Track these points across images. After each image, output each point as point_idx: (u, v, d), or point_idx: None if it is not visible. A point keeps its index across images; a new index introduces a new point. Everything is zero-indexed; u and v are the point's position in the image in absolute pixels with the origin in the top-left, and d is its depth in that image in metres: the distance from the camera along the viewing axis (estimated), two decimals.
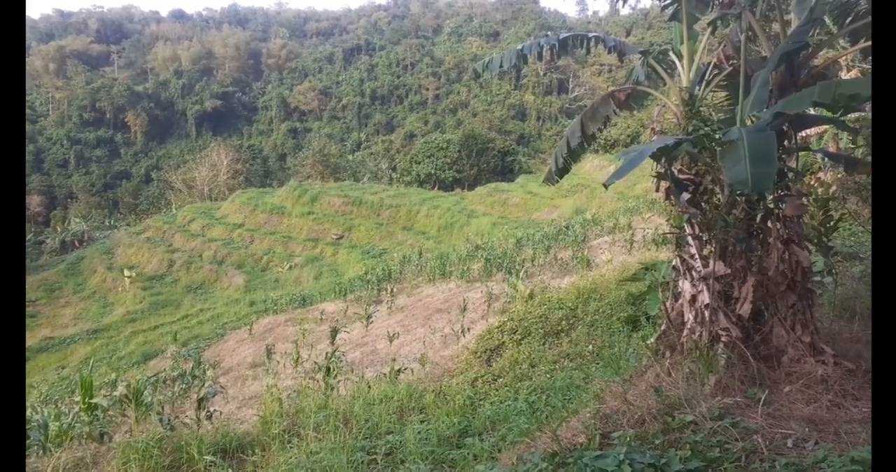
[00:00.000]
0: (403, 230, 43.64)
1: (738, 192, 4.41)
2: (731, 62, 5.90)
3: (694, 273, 4.98)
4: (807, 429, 3.63)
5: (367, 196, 48.39)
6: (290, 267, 40.14)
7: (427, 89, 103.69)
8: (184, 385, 12.47)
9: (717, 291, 4.75)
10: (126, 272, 42.48)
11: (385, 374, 12.08)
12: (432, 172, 60.78)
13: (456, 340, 15.53)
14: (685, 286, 5.03)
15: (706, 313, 4.75)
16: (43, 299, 41.79)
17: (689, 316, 4.96)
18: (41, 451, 7.60)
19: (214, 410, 10.36)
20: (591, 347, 10.40)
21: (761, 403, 3.91)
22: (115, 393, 8.53)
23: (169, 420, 8.90)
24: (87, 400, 8.05)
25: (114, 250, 48.99)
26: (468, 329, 15.84)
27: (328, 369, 10.84)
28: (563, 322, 12.19)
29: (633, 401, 4.08)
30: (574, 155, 6.49)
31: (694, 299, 4.92)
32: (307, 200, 48.64)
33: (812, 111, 6.58)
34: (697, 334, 4.81)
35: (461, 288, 21.63)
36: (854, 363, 4.46)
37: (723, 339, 4.66)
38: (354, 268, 35.20)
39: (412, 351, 16.19)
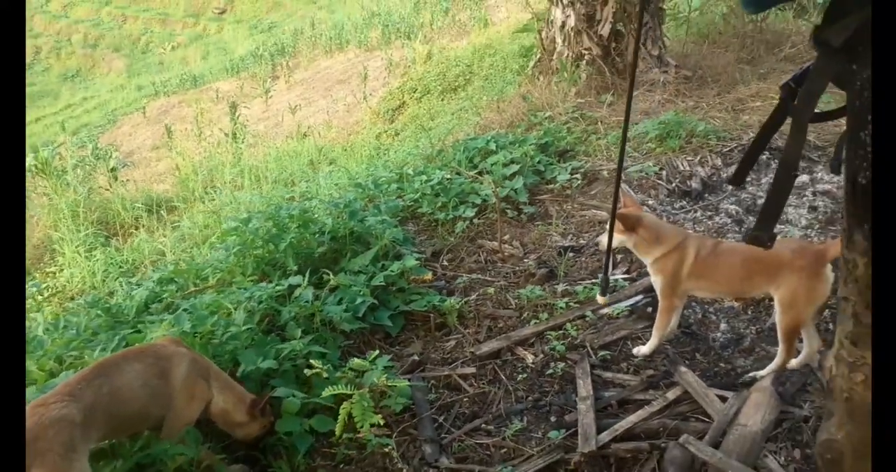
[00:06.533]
0: (292, 0, 40.49)
1: None
2: None
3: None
4: (640, 116, 4.53)
5: None
6: (173, 47, 37.26)
7: None
8: (87, 167, 12.45)
9: (582, 14, 5.30)
10: None
11: (293, 138, 12.50)
12: None
13: (359, 108, 15.84)
14: (556, 14, 5.55)
15: (572, 36, 5.36)
16: None
17: (559, 41, 5.56)
18: None
19: (128, 180, 10.66)
20: (485, 98, 11.07)
21: (607, 103, 4.75)
22: None
23: (86, 190, 9.18)
24: None
25: None
26: (370, 95, 16.08)
27: (234, 134, 11.12)
28: (460, 78, 12.67)
29: (505, 110, 4.82)
30: None
31: (563, 24, 5.47)
32: None
33: None
34: (565, 55, 5.47)
35: (360, 58, 21.27)
36: (691, 71, 5.31)
37: (585, 57, 5.35)
38: (243, 45, 33.09)
39: (317, 121, 16.44)
